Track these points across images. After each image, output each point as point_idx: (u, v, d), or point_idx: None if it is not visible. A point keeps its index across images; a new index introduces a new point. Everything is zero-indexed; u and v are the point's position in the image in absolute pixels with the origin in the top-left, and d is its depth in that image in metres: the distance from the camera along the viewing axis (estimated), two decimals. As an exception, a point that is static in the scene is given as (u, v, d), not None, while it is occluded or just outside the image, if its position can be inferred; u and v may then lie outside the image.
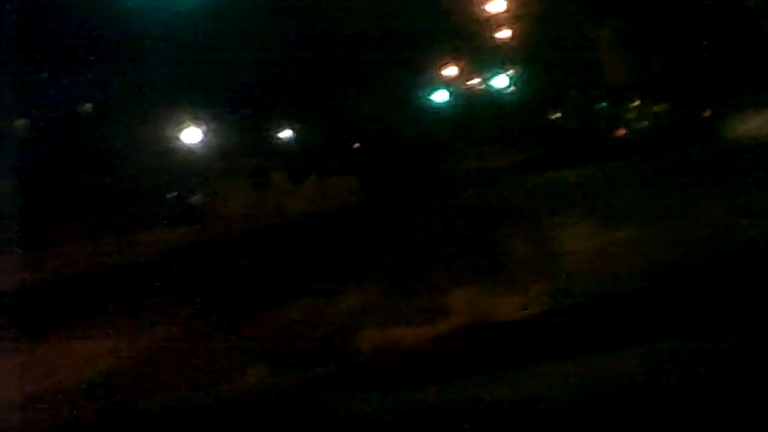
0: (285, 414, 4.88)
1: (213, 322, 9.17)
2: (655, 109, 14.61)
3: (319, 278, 9.79)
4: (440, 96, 14.97)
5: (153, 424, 4.94)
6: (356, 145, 15.23)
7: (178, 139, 14.05)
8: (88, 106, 14.24)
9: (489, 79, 14.85)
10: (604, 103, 14.69)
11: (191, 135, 14.10)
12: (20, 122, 13.51)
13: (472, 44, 14.72)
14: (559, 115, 14.93)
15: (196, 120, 14.08)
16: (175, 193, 13.81)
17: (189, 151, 14.05)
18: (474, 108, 14.68)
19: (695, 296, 6.49)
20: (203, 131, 14.09)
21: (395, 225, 11.84)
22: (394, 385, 5.21)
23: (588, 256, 9.56)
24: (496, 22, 14.59)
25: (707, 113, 14.06)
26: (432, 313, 7.39)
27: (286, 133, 15.14)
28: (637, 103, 14.62)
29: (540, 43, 14.38)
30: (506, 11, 14.48)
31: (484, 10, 14.46)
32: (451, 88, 14.96)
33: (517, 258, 9.79)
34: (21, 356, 8.40)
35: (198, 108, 14.09)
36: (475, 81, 15.04)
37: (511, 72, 14.79)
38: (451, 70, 15.03)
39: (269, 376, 7.41)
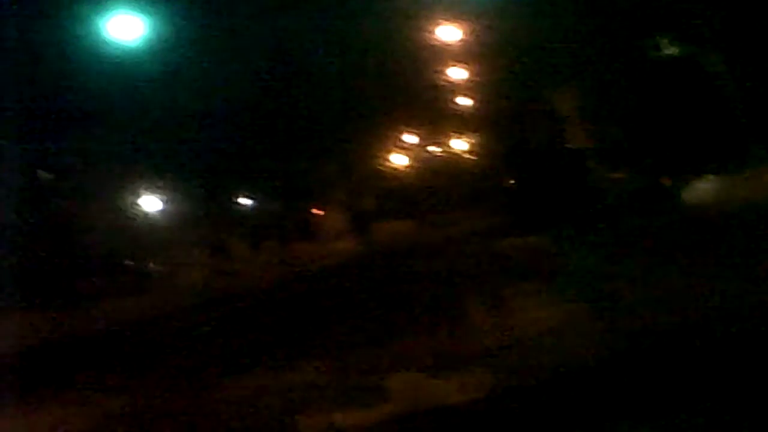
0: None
1: (162, 395, 9.04)
2: (617, 175, 14.51)
3: (268, 352, 9.69)
4: (399, 161, 14.91)
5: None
6: (317, 211, 15.13)
7: (136, 207, 13.96)
8: (46, 175, 14.14)
9: (447, 144, 14.82)
10: (566, 169, 14.58)
11: (150, 203, 14.03)
12: None
13: (432, 110, 14.67)
14: (517, 181, 14.83)
15: (155, 188, 14.01)
16: (132, 263, 13.69)
17: (147, 218, 13.95)
18: (432, 174, 14.62)
19: (653, 373, 6.37)
20: (162, 199, 14.02)
21: (349, 295, 11.71)
22: None
23: (543, 329, 9.40)
24: (455, 88, 14.55)
25: (669, 181, 13.96)
26: (373, 396, 7.29)
27: (244, 200, 15.05)
28: (598, 169, 14.52)
29: (500, 110, 14.34)
30: (466, 78, 14.43)
31: (444, 76, 14.42)
32: (410, 154, 14.92)
33: (469, 331, 9.61)
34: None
35: (157, 176, 14.03)
36: (434, 146, 15.01)
37: (470, 138, 14.75)
38: (410, 136, 14.98)
39: None
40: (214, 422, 8.00)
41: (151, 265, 13.74)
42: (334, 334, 9.82)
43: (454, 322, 9.75)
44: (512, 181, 14.59)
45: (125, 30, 12.51)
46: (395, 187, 14.82)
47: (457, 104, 14.76)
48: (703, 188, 13.29)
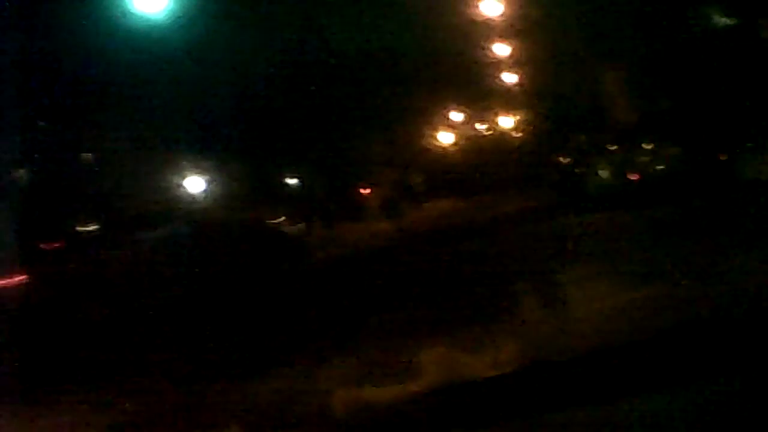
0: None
1: (200, 387, 8.98)
2: (669, 152, 14.16)
3: (307, 332, 9.65)
4: (447, 139, 14.65)
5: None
6: (364, 191, 14.92)
7: (180, 188, 13.81)
8: (88, 156, 14.05)
9: (495, 122, 14.54)
10: (615, 147, 14.29)
11: (194, 184, 13.87)
12: (20, 173, 13.50)
13: (479, 87, 14.43)
14: (567, 159, 14.55)
15: (199, 168, 13.85)
16: (175, 245, 13.54)
17: (192, 200, 13.80)
18: (480, 152, 14.36)
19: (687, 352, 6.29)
20: (206, 180, 13.85)
21: (393, 273, 11.58)
22: None
23: (591, 309, 9.24)
24: (502, 65, 14.30)
25: (724, 156, 13.58)
26: (405, 372, 7.30)
27: (291, 180, 14.85)
28: (649, 146, 14.20)
29: (548, 86, 14.07)
30: (512, 55, 14.17)
31: (491, 52, 14.17)
32: (458, 132, 14.65)
33: (508, 308, 9.48)
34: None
35: (201, 156, 13.88)
36: (482, 124, 14.73)
37: (518, 115, 14.46)
38: (457, 114, 14.72)
39: None
40: (246, 400, 8.08)
41: (193, 247, 13.57)
42: (373, 312, 9.78)
43: (498, 301, 9.67)
44: (562, 160, 14.36)
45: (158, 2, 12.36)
46: (442, 165, 14.55)
47: (504, 81, 14.50)
48: (760, 164, 12.92)
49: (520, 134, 14.60)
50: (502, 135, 14.65)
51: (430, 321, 9.55)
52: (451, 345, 8.23)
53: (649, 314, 8.38)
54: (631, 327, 8.34)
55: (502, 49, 14.25)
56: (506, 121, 14.65)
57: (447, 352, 8.01)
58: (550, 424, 5.93)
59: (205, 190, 13.76)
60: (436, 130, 14.67)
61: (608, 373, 6.55)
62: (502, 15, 13.57)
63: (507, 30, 13.84)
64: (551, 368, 7.02)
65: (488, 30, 13.81)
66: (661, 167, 13.97)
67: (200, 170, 13.76)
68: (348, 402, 7.18)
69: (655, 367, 6.41)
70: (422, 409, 6.86)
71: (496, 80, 14.40)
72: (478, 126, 14.83)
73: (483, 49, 14.07)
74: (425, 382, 7.32)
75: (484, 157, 14.39)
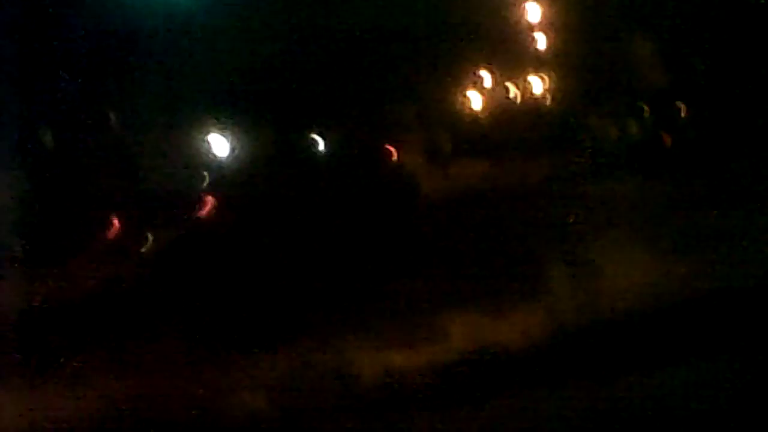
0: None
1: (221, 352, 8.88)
2: (706, 115, 13.81)
3: (329, 293, 9.52)
4: (476, 101, 14.39)
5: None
6: (391, 149, 14.70)
7: (204, 149, 13.65)
8: (112, 115, 13.92)
9: (526, 85, 14.26)
10: (647, 110, 13.97)
11: (218, 145, 13.71)
12: (44, 131, 13.41)
13: (509, 50, 14.18)
14: (599, 122, 14.25)
15: (223, 129, 13.69)
16: (197, 208, 13.39)
17: (216, 161, 13.65)
18: (511, 114, 14.10)
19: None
20: (230, 141, 13.69)
21: (418, 235, 11.44)
22: (393, 411, 5.15)
23: (619, 276, 9.07)
24: (534, 27, 14.06)
25: (762, 120, 13.20)
26: (432, 338, 7.22)
27: (316, 141, 14.65)
28: (682, 109, 13.88)
29: (579, 48, 13.81)
30: (544, 17, 13.92)
31: (522, 14, 13.93)
32: (487, 94, 14.39)
33: (536, 274, 9.31)
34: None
35: (225, 116, 13.71)
36: (512, 87, 14.46)
37: (548, 78, 14.17)
38: (487, 75, 14.46)
39: (264, 400, 7.28)
40: (271, 361, 7.91)
41: (216, 208, 13.42)
42: (395, 274, 9.68)
43: (524, 266, 9.55)
44: (592, 124, 14.06)
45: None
46: (472, 128, 14.31)
47: (535, 44, 14.24)
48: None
49: (550, 97, 14.32)
50: (533, 98, 14.38)
51: (455, 288, 9.40)
52: (477, 312, 8.13)
53: (681, 286, 8.20)
54: (662, 299, 8.16)
55: (533, 12, 14.01)
56: (536, 84, 14.37)
57: (473, 319, 7.91)
58: (576, 394, 5.82)
59: (231, 153, 13.64)
60: (466, 91, 14.41)
61: (635, 345, 6.44)
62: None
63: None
64: (577, 338, 6.93)
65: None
66: (698, 132, 13.60)
67: (227, 131, 13.67)
68: (371, 369, 7.11)
69: (685, 339, 6.30)
70: (447, 377, 6.78)
71: (527, 43, 14.15)
72: (508, 89, 14.56)
73: (514, 11, 13.85)
74: (450, 349, 7.23)
75: (514, 121, 14.15)
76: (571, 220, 10.97)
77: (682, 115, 13.92)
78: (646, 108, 14.06)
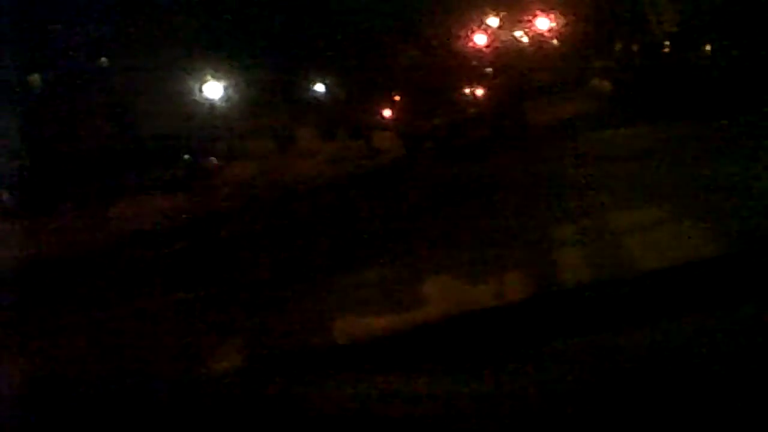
0: (259, 399, 4.55)
1: (200, 304, 8.56)
2: (725, 55, 13.04)
3: (312, 255, 9.18)
4: (482, 43, 13.79)
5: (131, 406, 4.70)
6: (395, 97, 14.21)
7: (197, 94, 13.22)
8: (103, 60, 13.59)
9: (533, 26, 13.62)
10: (665, 50, 13.29)
11: (211, 89, 13.27)
12: (32, 77, 13.14)
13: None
14: (610, 63, 13.61)
15: (217, 73, 13.23)
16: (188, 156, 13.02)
17: (209, 106, 13.22)
18: (517, 57, 13.48)
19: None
20: (224, 85, 13.25)
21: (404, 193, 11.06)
22: (368, 373, 4.81)
23: (622, 230, 8.55)
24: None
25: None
26: (409, 302, 6.86)
27: (315, 87, 14.17)
28: (704, 48, 13.16)
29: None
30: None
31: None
32: (493, 35, 13.78)
33: (539, 231, 8.83)
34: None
35: (219, 60, 13.24)
36: (518, 29, 13.84)
37: (557, 19, 13.51)
38: (493, 18, 13.85)
39: (246, 361, 6.96)
40: (251, 326, 7.68)
41: (211, 157, 13.06)
42: (377, 235, 9.34)
43: (527, 221, 9.12)
44: (603, 67, 13.42)
45: None
46: (478, 71, 13.77)
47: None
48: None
49: (559, 37, 13.66)
50: (540, 39, 13.72)
51: (450, 242, 9.00)
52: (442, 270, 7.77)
53: (695, 246, 7.63)
54: (670, 260, 7.61)
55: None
56: (544, 25, 13.72)
57: (440, 278, 7.55)
58: (580, 348, 5.33)
59: (224, 97, 13.25)
60: (471, 33, 13.83)
61: (640, 300, 5.92)
62: None
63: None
64: (571, 297, 6.46)
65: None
66: (718, 73, 12.76)
67: (221, 75, 13.22)
68: (348, 330, 6.80)
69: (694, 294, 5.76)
70: (429, 338, 6.37)
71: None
72: (515, 31, 13.95)
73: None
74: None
75: (521, 62, 13.53)
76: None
77: (702, 53, 13.23)
78: (666, 44, 13.37)
